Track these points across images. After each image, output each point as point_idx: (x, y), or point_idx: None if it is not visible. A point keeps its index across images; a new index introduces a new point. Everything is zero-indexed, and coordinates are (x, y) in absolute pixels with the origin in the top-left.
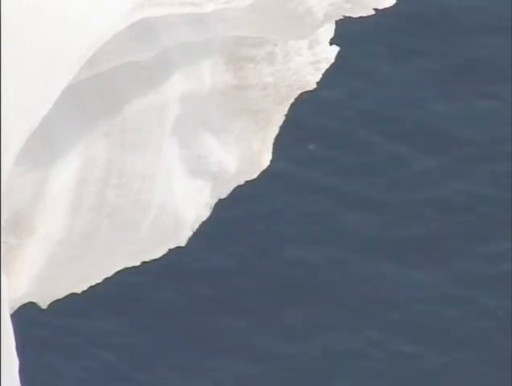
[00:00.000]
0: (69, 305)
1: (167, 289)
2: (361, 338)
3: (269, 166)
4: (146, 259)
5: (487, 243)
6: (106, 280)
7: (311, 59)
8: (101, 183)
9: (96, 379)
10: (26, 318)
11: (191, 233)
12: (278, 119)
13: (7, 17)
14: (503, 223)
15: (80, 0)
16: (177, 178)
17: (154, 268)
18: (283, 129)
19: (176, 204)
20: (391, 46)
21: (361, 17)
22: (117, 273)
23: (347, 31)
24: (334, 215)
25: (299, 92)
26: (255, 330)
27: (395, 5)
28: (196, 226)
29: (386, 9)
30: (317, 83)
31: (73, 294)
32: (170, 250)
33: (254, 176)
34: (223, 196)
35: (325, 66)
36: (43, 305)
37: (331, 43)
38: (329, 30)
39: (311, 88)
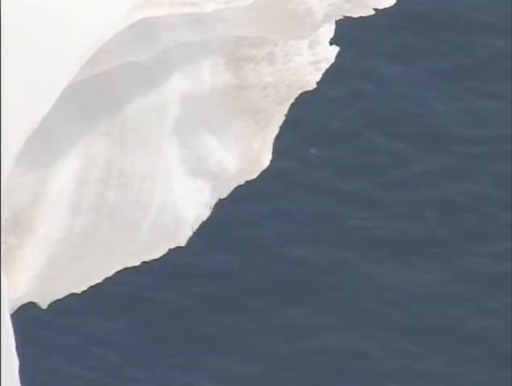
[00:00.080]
0: (69, 305)
1: (168, 289)
2: (362, 338)
3: (269, 166)
4: (146, 259)
5: (488, 242)
6: (106, 280)
7: (311, 59)
8: (101, 183)
9: (96, 378)
10: (26, 318)
11: (191, 233)
12: (278, 119)
13: (7, 17)
14: (504, 223)
15: (80, 0)
16: (177, 178)
17: (155, 269)
18: (284, 129)
19: (176, 204)
20: (392, 46)
21: (361, 17)
22: (117, 272)
23: (347, 31)
24: (335, 214)
25: (299, 92)
26: (256, 329)
27: (395, 5)
28: (196, 226)
29: (386, 9)
30: (318, 83)
31: (73, 294)
32: (170, 250)
33: (254, 176)
34: (223, 196)
35: (325, 66)
36: (43, 305)
37: (331, 43)
38: (329, 30)
39: (311, 88)
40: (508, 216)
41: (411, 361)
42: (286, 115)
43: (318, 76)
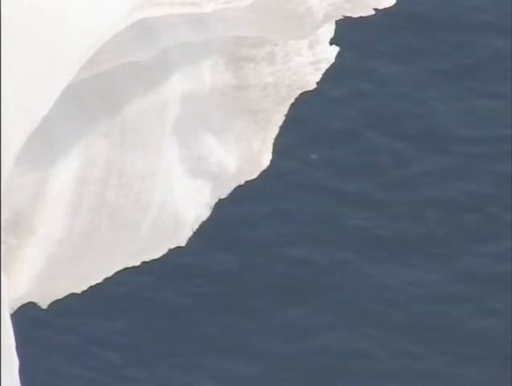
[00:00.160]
0: (69, 305)
1: (168, 289)
2: (362, 338)
3: (269, 166)
4: (146, 259)
5: (488, 242)
6: (106, 280)
7: (311, 59)
8: (101, 183)
9: (96, 378)
10: (26, 318)
11: (191, 233)
12: (278, 119)
13: (7, 17)
14: (504, 223)
15: (80, 0)
16: (177, 178)
17: (155, 269)
18: (284, 129)
19: (176, 204)
20: (392, 46)
21: (361, 17)
22: (117, 272)
23: (347, 31)
24: (335, 214)
25: (299, 92)
26: (256, 329)
27: (395, 5)
28: (196, 226)
29: (386, 9)
30: (318, 83)
31: (73, 294)
32: (170, 250)
33: (254, 176)
34: (223, 196)
35: (325, 66)
36: (43, 305)
37: (331, 43)
38: (329, 30)
39: (311, 88)
40: (508, 216)
41: (411, 361)
42: (286, 115)
43: (318, 76)
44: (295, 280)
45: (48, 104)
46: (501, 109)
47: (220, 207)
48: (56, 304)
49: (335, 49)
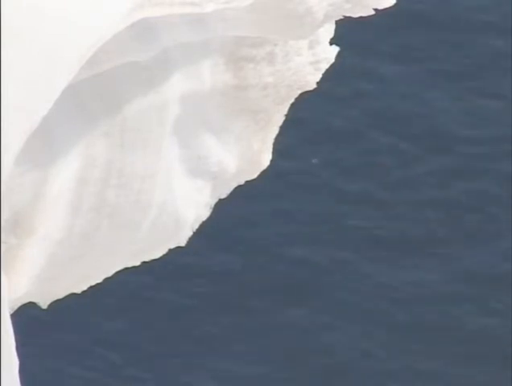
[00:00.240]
0: (69, 305)
1: (168, 289)
2: (362, 338)
3: (269, 166)
4: (146, 259)
5: (489, 242)
6: (106, 280)
7: (311, 59)
8: (101, 183)
9: (96, 378)
10: (26, 318)
11: (191, 233)
12: (278, 119)
13: (7, 17)
14: (505, 223)
15: (80, 0)
16: (177, 178)
17: (155, 269)
18: (284, 129)
19: (176, 204)
20: (392, 46)
21: (361, 17)
22: (117, 272)
23: (347, 31)
24: (335, 214)
25: (299, 92)
26: (256, 329)
27: (395, 5)
28: (196, 226)
29: (386, 9)
30: (318, 83)
31: (73, 294)
32: (170, 250)
33: (254, 176)
34: (223, 196)
35: (325, 66)
36: (43, 305)
37: (331, 43)
38: (329, 30)
39: (311, 88)
40: (509, 216)
41: (411, 361)
42: (286, 115)
43: (318, 76)
44: (295, 280)
45: (48, 104)
46: (502, 109)
47: (220, 207)
48: (56, 304)
49: (335, 49)
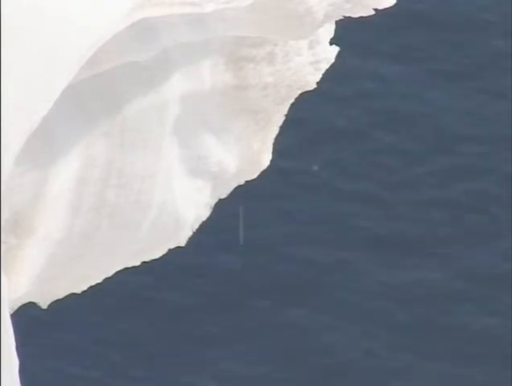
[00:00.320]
0: (69, 305)
1: (168, 289)
2: (362, 338)
3: (269, 166)
4: (146, 259)
5: (490, 242)
6: (106, 280)
7: (311, 59)
8: (101, 183)
9: (96, 378)
10: (26, 318)
11: (191, 233)
12: (278, 119)
13: (7, 17)
14: (506, 223)
15: (80, 0)
16: (177, 178)
17: (155, 269)
18: (284, 129)
19: (176, 204)
20: (392, 46)
21: (361, 17)
22: (117, 272)
23: (347, 31)
24: (335, 214)
25: (299, 92)
26: (256, 329)
27: (395, 5)
28: (196, 226)
29: (386, 9)
30: (318, 83)
31: (73, 294)
32: (170, 250)
33: (254, 176)
34: (223, 196)
35: (325, 66)
36: (43, 305)
37: (331, 43)
38: (329, 30)
39: (311, 88)
40: (510, 216)
41: (412, 361)
42: (286, 115)
43: (318, 76)
44: (296, 280)
45: (48, 104)
46: (502, 109)
47: (221, 207)
48: (56, 304)
49: (335, 49)
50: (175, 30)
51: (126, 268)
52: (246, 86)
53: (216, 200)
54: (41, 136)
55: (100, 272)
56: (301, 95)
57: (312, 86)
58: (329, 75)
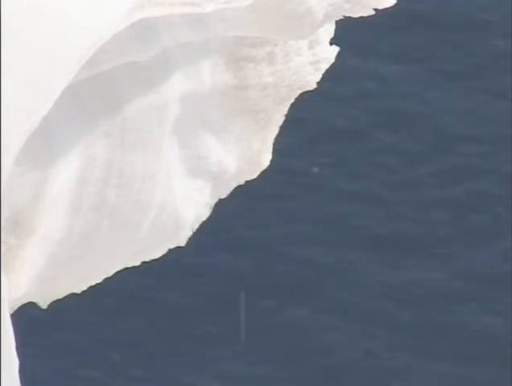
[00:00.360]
0: (69, 305)
1: (168, 289)
2: (363, 338)
3: (269, 166)
4: (146, 259)
5: (490, 242)
6: (106, 280)
7: (311, 59)
8: (101, 183)
9: (96, 378)
10: (26, 318)
11: (191, 233)
12: (278, 119)
13: (7, 17)
14: (506, 223)
15: (80, 0)
16: (177, 178)
17: (155, 269)
18: (284, 129)
19: (176, 204)
20: (392, 46)
21: (361, 17)
22: (117, 272)
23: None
24: (336, 214)
25: (299, 92)
26: (256, 329)
27: (395, 5)
28: (196, 226)
29: (386, 9)
30: (318, 83)
31: (73, 294)
32: (170, 250)
33: (254, 176)
34: (223, 196)
35: (325, 66)
36: (43, 305)
37: (331, 43)
38: (329, 30)
39: (311, 88)
40: (510, 216)
41: (412, 361)
42: (286, 115)
43: (318, 76)
44: (296, 280)
45: (48, 104)
46: (502, 109)
47: (221, 207)
48: (56, 304)
49: (335, 49)
50: (175, 30)
51: (126, 268)
52: (246, 86)
53: (216, 200)
54: (41, 136)
55: (100, 272)
56: (301, 95)
57: (312, 86)
58: (329, 75)
